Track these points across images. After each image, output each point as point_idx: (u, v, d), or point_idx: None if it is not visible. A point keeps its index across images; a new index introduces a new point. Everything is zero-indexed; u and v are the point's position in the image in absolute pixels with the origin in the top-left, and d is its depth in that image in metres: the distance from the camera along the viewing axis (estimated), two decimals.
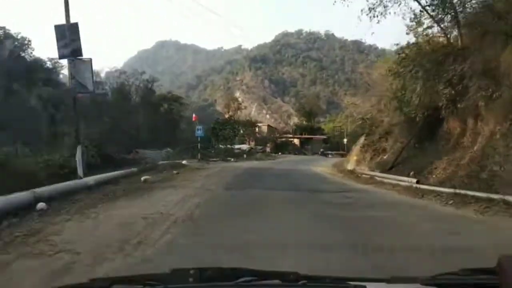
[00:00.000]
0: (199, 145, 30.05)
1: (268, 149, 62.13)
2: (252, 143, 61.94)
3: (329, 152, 69.19)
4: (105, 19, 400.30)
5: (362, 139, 31.02)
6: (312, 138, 71.23)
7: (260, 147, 51.93)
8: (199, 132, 29.64)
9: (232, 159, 35.64)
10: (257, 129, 68.50)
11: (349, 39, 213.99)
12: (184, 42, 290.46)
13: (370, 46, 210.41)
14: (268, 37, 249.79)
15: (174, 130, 52.13)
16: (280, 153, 56.46)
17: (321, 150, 66.71)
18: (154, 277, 1.77)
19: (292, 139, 66.91)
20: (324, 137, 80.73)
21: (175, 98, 59.94)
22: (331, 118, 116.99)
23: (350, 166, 30.12)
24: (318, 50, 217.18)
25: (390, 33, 26.54)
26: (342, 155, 75.25)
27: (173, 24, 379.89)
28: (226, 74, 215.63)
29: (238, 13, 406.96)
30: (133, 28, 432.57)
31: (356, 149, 31.69)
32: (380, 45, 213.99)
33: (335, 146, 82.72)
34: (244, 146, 45.34)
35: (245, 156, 38.31)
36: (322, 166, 33.53)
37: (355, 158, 29.88)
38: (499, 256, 1.47)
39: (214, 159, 33.05)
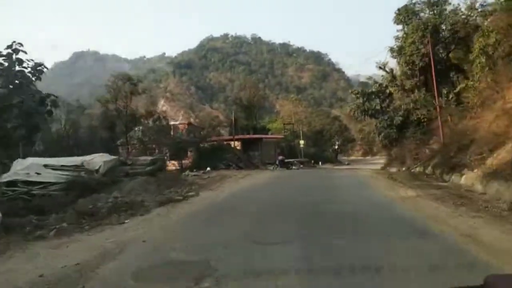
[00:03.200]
0: None
1: (187, 162, 30.64)
2: (156, 152, 30.11)
3: (292, 160, 38.72)
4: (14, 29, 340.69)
5: None
6: (261, 138, 40.26)
7: (149, 159, 19.18)
8: None
9: None
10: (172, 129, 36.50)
11: (276, 42, 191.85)
12: (104, 52, 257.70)
13: (298, 48, 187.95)
14: (192, 43, 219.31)
15: None
16: (208, 169, 25.08)
17: (280, 158, 36.00)
18: None
19: (230, 142, 35.53)
20: (281, 136, 50.18)
21: None
22: (272, 119, 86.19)
23: None
24: (245, 54, 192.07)
25: None
26: (302, 164, 45.70)
27: (91, 34, 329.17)
28: (149, 82, 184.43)
29: (160, 20, 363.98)
30: (47, 39, 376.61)
31: None
32: (308, 47, 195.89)
33: (288, 151, 52.65)
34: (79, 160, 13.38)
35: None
36: None
37: None
38: (486, 276, 1.36)
39: None
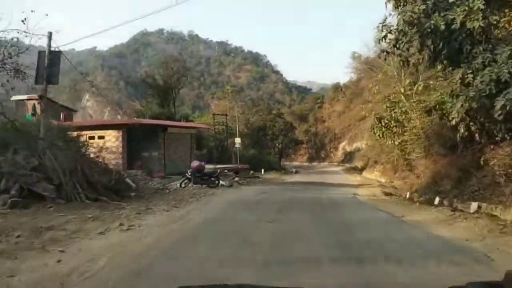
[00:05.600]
0: None
1: None
2: None
3: (217, 169, 19.25)
4: None
5: None
6: (165, 128, 20.46)
7: None
8: None
9: None
10: None
11: (214, 40, 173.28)
12: (30, 43, 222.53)
13: (236, 48, 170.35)
14: (126, 38, 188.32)
15: None
16: None
17: (195, 165, 16.75)
18: None
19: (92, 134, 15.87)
20: (205, 126, 30.75)
21: None
22: (201, 114, 66.73)
23: None
24: (181, 51, 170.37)
25: None
26: (238, 173, 25.99)
27: (16, 22, 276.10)
28: (75, 75, 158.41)
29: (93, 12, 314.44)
30: None
31: None
32: (247, 47, 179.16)
33: (220, 153, 33.96)
34: None
35: None
36: None
37: None
38: (506, 271, 1.28)
39: None
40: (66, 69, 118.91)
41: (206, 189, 15.96)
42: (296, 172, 41.39)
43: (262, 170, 34.27)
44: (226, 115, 39.09)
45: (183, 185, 16.51)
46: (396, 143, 23.20)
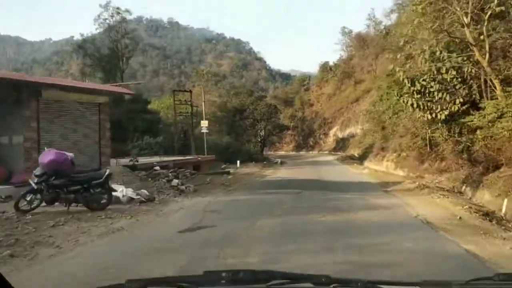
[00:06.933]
0: None
1: None
2: None
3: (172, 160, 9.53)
4: None
5: None
6: (39, 89, 9.83)
7: None
8: None
9: None
10: None
11: (195, 27, 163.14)
12: (6, 33, 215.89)
13: (218, 34, 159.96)
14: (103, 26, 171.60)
15: None
16: None
17: (49, 159, 6.91)
18: (187, 279, 1.48)
19: None
20: (127, 91, 19.45)
21: None
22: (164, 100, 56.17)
23: None
24: (160, 38, 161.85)
25: None
26: (198, 166, 16.49)
27: None
28: (51, 65, 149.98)
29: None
30: None
31: None
32: (229, 34, 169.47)
33: (183, 141, 24.29)
34: None
35: None
36: None
37: None
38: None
39: None
40: (44, 60, 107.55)
41: (72, 219, 6.57)
42: (282, 164, 32.32)
43: (238, 162, 25.18)
44: (190, 91, 29.37)
45: (22, 207, 7.02)
46: (442, 117, 14.21)
